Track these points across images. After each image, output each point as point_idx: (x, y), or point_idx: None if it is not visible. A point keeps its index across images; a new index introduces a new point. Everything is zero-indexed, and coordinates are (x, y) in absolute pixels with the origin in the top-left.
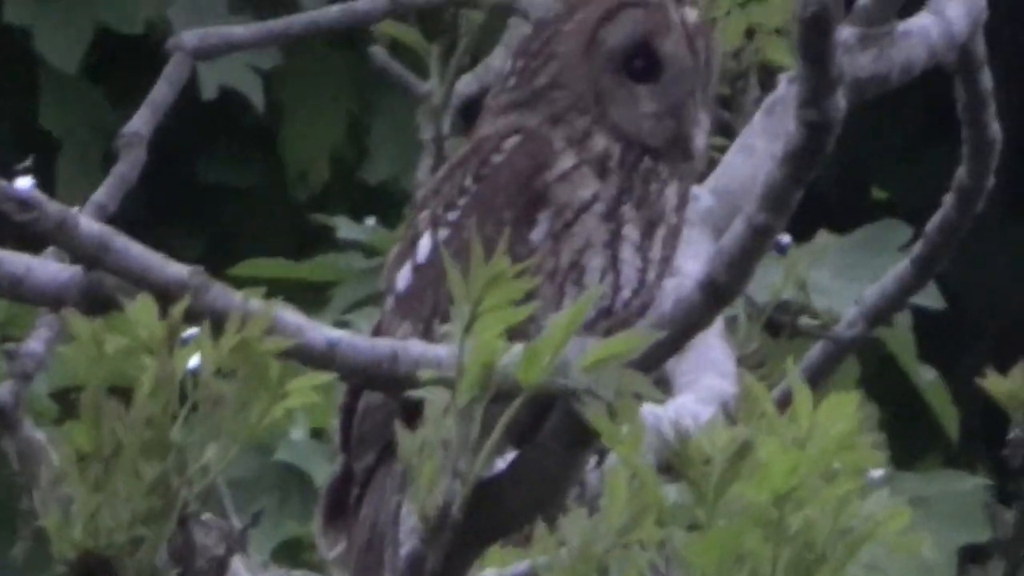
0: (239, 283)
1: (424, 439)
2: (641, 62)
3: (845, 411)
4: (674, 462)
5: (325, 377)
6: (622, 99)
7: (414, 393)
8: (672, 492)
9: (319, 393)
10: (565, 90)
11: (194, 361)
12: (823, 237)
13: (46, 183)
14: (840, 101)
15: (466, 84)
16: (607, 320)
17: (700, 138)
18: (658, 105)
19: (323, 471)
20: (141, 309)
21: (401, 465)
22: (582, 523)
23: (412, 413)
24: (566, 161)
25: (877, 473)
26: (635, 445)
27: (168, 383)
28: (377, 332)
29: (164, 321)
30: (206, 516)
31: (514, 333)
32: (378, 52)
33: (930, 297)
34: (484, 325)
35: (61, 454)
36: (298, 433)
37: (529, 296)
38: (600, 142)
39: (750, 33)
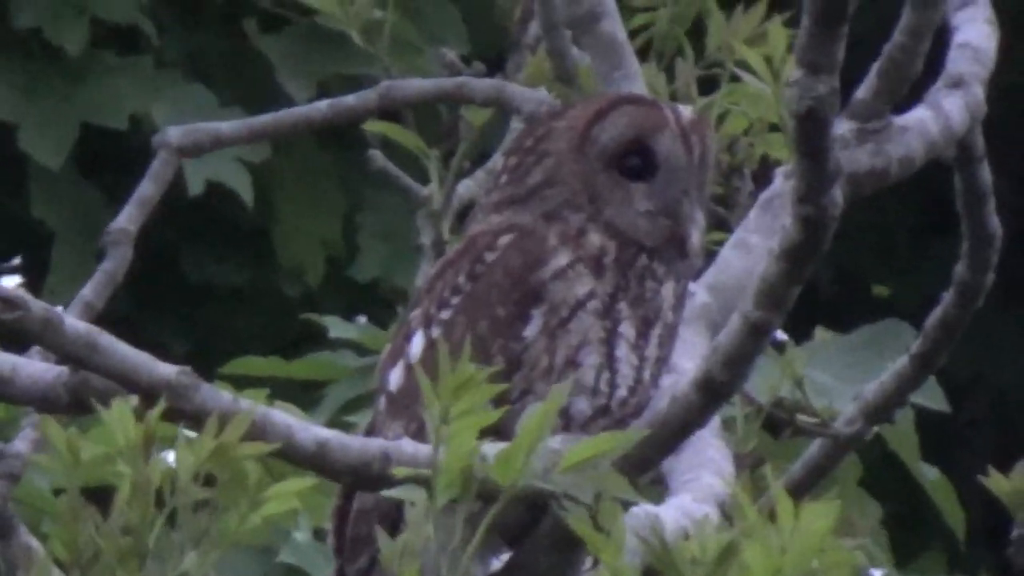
0: (231, 382)
1: (405, 543)
2: (635, 160)
3: (825, 515)
4: (658, 566)
5: (307, 483)
6: (617, 197)
7: (390, 493)
8: None
9: (312, 485)
10: (559, 188)
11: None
12: (821, 334)
13: (38, 279)
14: (837, 196)
15: (466, 188)
16: (604, 419)
17: (696, 236)
18: (653, 203)
19: (326, 573)
20: (117, 415)
21: (384, 570)
22: None
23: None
24: (561, 258)
25: (877, 573)
26: (617, 549)
27: (145, 489)
28: (370, 432)
29: (141, 426)
30: None
31: (499, 433)
32: (376, 155)
33: (934, 398)
34: (457, 428)
35: (39, 565)
36: (301, 534)
37: (504, 398)
38: (595, 240)
39: (748, 128)
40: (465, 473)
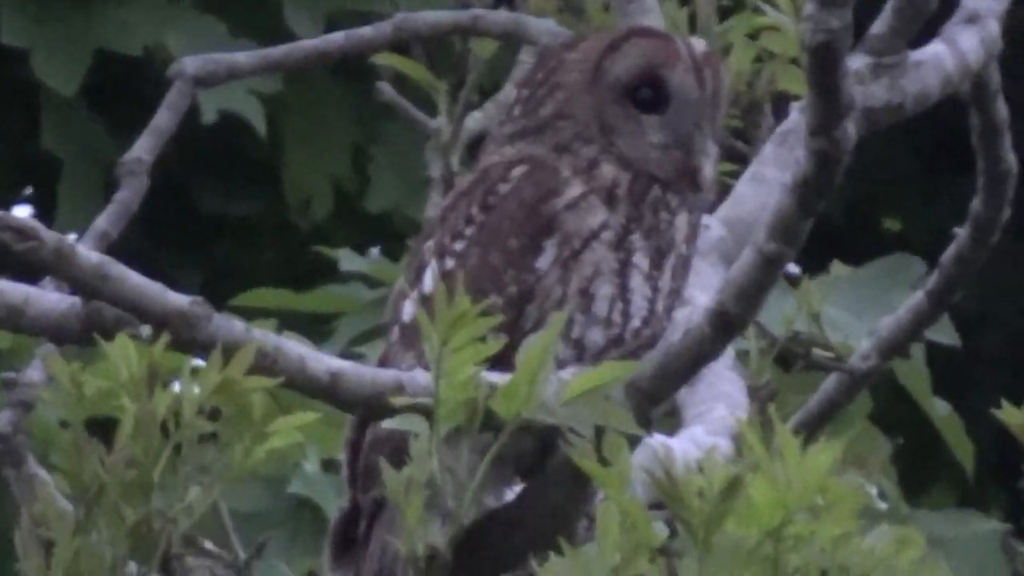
0: (242, 313)
1: (410, 477)
2: (648, 92)
3: (830, 451)
4: (664, 499)
5: (312, 416)
6: (629, 129)
7: (389, 423)
8: (663, 529)
9: (322, 415)
10: (571, 120)
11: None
12: (837, 268)
13: (47, 210)
14: (850, 130)
15: (475, 121)
16: (617, 350)
17: (709, 168)
18: (665, 136)
19: (336, 504)
20: (120, 350)
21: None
22: (574, 562)
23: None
24: (574, 190)
25: (882, 505)
26: (622, 482)
27: (149, 424)
28: (383, 363)
29: (144, 360)
30: (210, 547)
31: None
32: (385, 88)
33: (945, 333)
34: (455, 361)
35: (44, 495)
36: (311, 465)
37: (514, 328)
38: (608, 171)
39: (762, 61)
40: (468, 402)
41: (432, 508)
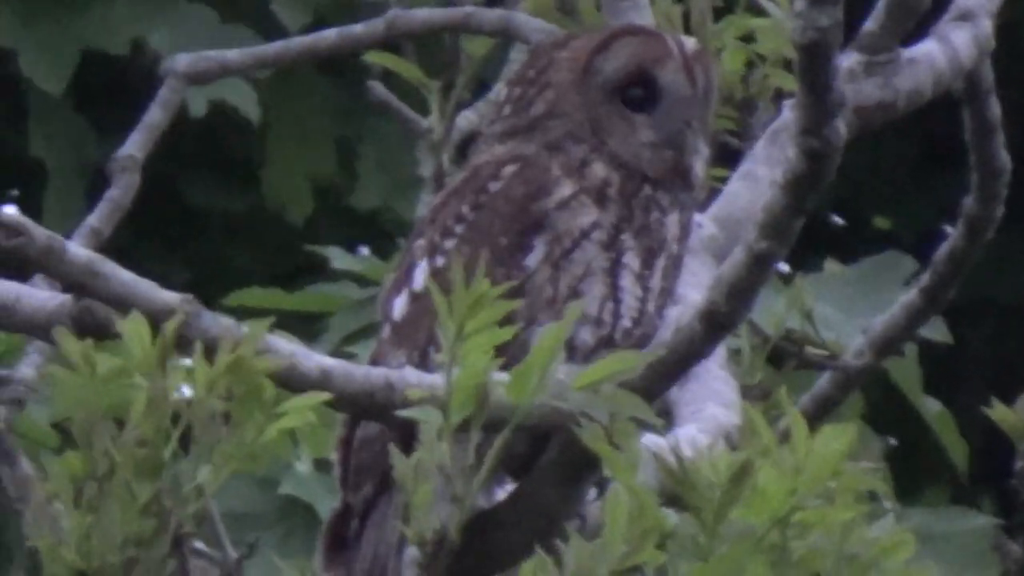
0: (232, 313)
1: (419, 462)
2: (638, 91)
3: (841, 438)
4: (675, 488)
5: (322, 396)
6: (620, 128)
7: (404, 413)
8: (672, 516)
9: (315, 414)
10: (561, 119)
11: (187, 387)
12: (831, 266)
13: (32, 214)
14: (840, 128)
15: (466, 120)
16: (607, 350)
17: (699, 167)
18: (656, 134)
19: (327, 504)
20: (133, 329)
21: (399, 489)
22: (583, 548)
23: (409, 442)
24: (565, 189)
25: (888, 504)
26: (632, 468)
27: (161, 403)
28: (374, 361)
29: (157, 341)
30: (201, 547)
31: (508, 360)
32: (376, 87)
33: (937, 331)
34: (471, 346)
35: (54, 476)
36: (302, 466)
37: (513, 317)
38: (599, 170)
39: (754, 65)
40: (479, 391)
41: (437, 495)
